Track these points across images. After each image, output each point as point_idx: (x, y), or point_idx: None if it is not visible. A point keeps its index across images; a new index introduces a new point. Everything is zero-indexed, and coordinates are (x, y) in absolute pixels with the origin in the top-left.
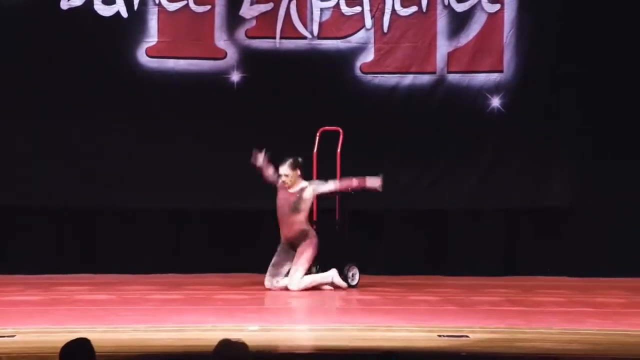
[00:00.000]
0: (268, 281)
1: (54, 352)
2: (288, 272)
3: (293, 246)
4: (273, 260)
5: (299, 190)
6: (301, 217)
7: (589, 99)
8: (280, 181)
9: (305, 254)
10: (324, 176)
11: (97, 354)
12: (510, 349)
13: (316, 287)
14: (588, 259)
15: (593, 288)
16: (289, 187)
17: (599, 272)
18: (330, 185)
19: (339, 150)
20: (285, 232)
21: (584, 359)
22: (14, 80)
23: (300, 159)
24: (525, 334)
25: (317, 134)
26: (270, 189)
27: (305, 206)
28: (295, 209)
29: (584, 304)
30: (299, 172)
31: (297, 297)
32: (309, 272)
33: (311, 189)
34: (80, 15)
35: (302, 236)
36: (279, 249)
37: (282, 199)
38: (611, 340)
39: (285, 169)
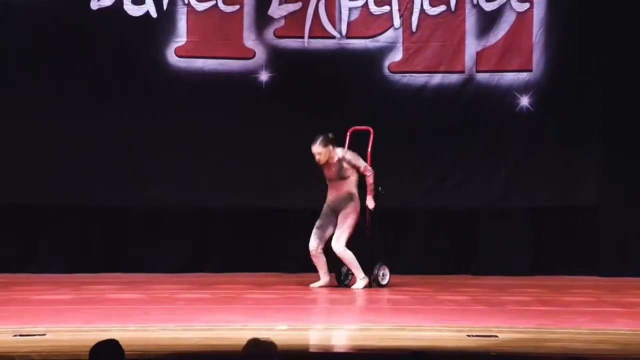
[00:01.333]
0: (313, 244)
1: (84, 350)
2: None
3: (335, 210)
4: (317, 223)
5: (338, 160)
6: (349, 181)
7: (618, 98)
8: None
9: (349, 219)
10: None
11: (127, 352)
12: (539, 349)
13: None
14: (617, 258)
15: (622, 288)
16: (327, 162)
17: (628, 271)
18: (361, 166)
19: (369, 149)
20: (334, 194)
21: (614, 359)
22: (43, 80)
23: (330, 135)
24: (554, 334)
25: (348, 134)
26: (297, 188)
27: (350, 172)
28: (341, 177)
29: (613, 304)
30: (331, 148)
31: (326, 297)
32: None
33: (349, 156)
34: (109, 15)
35: (347, 199)
36: (322, 212)
37: (328, 170)
38: None
39: (317, 147)
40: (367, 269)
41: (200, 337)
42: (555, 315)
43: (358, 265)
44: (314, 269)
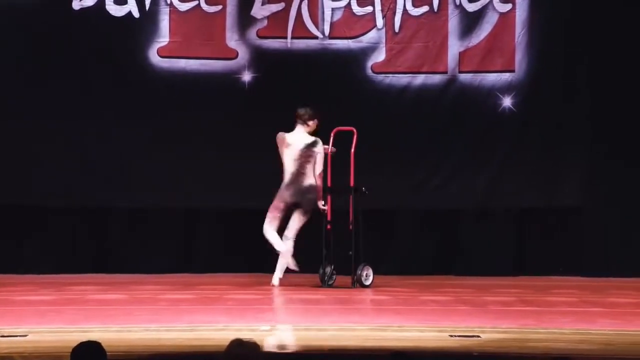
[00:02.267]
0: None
1: (66, 351)
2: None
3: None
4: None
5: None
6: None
7: (601, 99)
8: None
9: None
10: (339, 176)
11: (110, 353)
12: (521, 349)
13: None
14: (599, 259)
15: (605, 288)
16: (307, 129)
17: (611, 272)
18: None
19: (352, 150)
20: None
21: (596, 359)
22: (26, 81)
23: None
24: (537, 334)
25: (332, 134)
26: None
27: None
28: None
29: (595, 304)
30: (317, 122)
31: (309, 297)
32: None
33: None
34: (92, 15)
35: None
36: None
37: None
38: (623, 340)
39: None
40: (351, 270)
41: (183, 337)
42: (538, 316)
43: (285, 261)
44: (300, 270)
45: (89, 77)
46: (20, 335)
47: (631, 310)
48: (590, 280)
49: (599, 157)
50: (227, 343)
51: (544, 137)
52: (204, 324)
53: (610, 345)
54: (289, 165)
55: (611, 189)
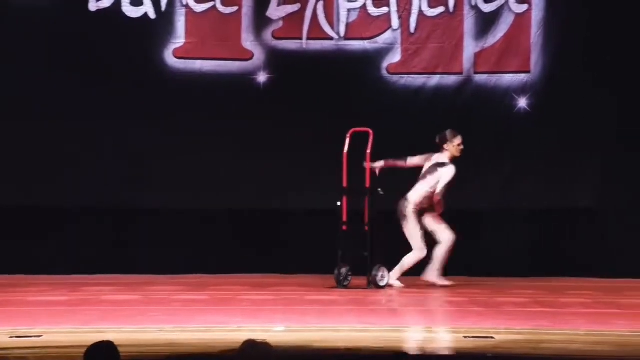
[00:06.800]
0: None
1: (81, 352)
2: None
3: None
4: None
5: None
6: None
7: (616, 99)
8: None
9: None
10: (355, 177)
11: (123, 354)
12: (536, 350)
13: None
14: (614, 260)
15: (619, 289)
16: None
17: (625, 273)
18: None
19: (369, 151)
20: None
21: None
22: (43, 82)
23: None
24: (551, 335)
25: (348, 135)
26: (296, 189)
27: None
28: None
29: (610, 305)
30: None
31: (323, 298)
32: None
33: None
34: (108, 16)
35: None
36: None
37: None
38: (638, 341)
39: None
40: (366, 270)
41: (197, 338)
42: (552, 317)
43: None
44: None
45: (104, 78)
46: (34, 336)
47: None
48: (604, 282)
49: (615, 159)
50: (240, 344)
51: (560, 138)
52: (218, 324)
53: (625, 346)
54: None
55: (627, 190)
